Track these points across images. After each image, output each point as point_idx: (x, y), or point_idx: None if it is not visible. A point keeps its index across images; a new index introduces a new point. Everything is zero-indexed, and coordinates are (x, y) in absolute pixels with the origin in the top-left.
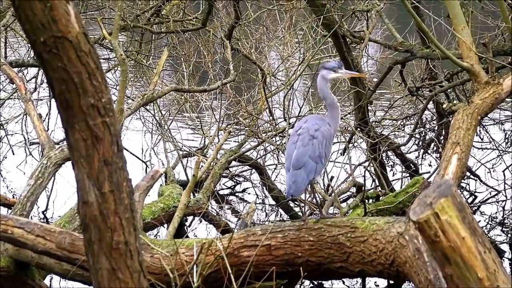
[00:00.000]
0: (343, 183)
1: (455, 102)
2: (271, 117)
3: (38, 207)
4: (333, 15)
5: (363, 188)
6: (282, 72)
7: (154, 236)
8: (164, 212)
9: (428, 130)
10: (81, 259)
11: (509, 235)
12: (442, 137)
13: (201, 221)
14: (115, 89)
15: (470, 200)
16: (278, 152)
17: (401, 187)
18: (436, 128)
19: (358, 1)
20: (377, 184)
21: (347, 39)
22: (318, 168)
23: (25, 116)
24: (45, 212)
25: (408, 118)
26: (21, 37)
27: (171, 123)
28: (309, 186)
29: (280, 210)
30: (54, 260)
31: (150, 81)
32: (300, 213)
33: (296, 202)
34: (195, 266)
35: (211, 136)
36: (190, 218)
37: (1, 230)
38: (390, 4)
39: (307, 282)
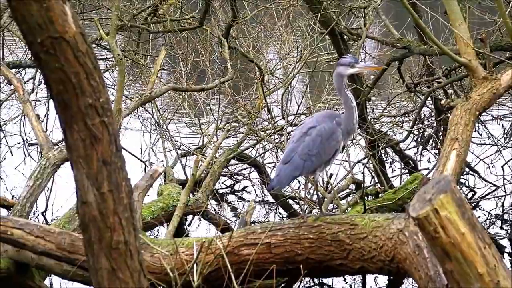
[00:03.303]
0: (342, 180)
1: (453, 98)
2: (269, 115)
3: (38, 208)
4: (330, 12)
5: (362, 185)
6: (280, 70)
7: (154, 235)
8: (164, 211)
9: (426, 126)
10: (81, 260)
11: (509, 230)
12: (440, 133)
13: (200, 220)
14: (113, 89)
15: (469, 195)
16: (277, 150)
17: (400, 184)
18: (434, 124)
19: None
20: (376, 181)
21: (345, 36)
22: (306, 166)
23: (23, 117)
24: (44, 213)
25: (406, 114)
26: (18, 38)
27: (169, 123)
28: (310, 183)
29: (280, 208)
30: (54, 260)
31: (148, 81)
32: (299, 211)
33: (296, 200)
34: (195, 265)
35: (209, 135)
36: (189, 217)
37: (0, 231)
38: (387, 0)
39: (307, 280)
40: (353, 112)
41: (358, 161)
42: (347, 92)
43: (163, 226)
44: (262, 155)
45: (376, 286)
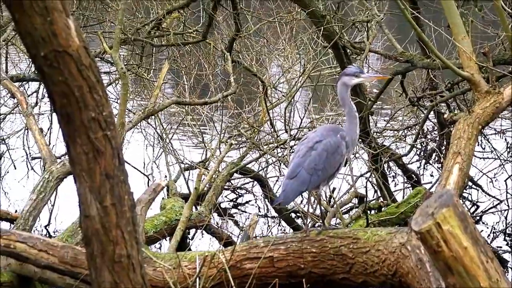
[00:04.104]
0: (345, 194)
1: (456, 112)
2: (272, 129)
3: (41, 221)
4: (333, 26)
5: (365, 199)
6: (283, 84)
7: (157, 249)
8: (167, 225)
9: (429, 140)
10: (83, 273)
11: None
12: (443, 147)
13: (203, 234)
14: (116, 102)
15: (472, 210)
16: (280, 164)
17: (403, 198)
18: (437, 138)
19: (358, 12)
20: (379, 195)
21: (348, 50)
22: (313, 180)
23: (26, 131)
24: (47, 227)
25: (409, 128)
26: (22, 52)
27: (172, 136)
28: (314, 197)
29: (283, 222)
30: (57, 274)
31: (151, 94)
32: (302, 225)
33: (299, 214)
34: (197, 279)
35: (212, 148)
36: (192, 231)
37: (3, 245)
38: (390, 14)
39: None
40: (356, 123)
41: (361, 175)
42: (351, 102)
43: (166, 240)
44: (265, 169)
45: None
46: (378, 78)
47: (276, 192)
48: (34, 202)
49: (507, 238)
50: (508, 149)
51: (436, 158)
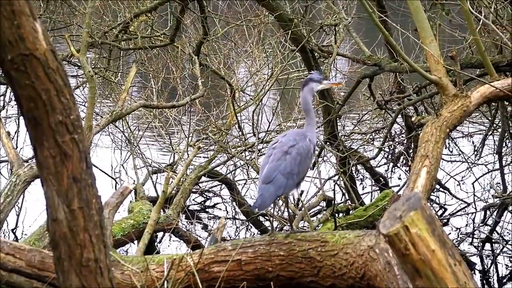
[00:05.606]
0: (313, 197)
1: (423, 115)
2: (240, 132)
3: (8, 225)
4: (301, 29)
5: (333, 202)
6: (251, 87)
7: (125, 252)
8: (134, 228)
9: (397, 143)
10: (51, 277)
11: (479, 247)
12: (411, 150)
13: (171, 237)
14: (84, 106)
15: (440, 212)
16: (248, 167)
17: (371, 201)
18: (405, 142)
19: (326, 16)
20: (347, 198)
21: (315, 53)
22: (289, 184)
23: None
24: (14, 230)
25: (377, 131)
26: None
27: (140, 140)
28: (282, 200)
29: (251, 225)
30: (24, 278)
31: (119, 98)
32: (270, 228)
33: (267, 217)
34: (165, 282)
35: (180, 152)
36: (160, 234)
37: None
38: (358, 18)
39: None
40: (315, 129)
41: (329, 178)
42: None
43: (134, 243)
44: (233, 172)
45: None
46: (333, 85)
47: (244, 195)
48: (1, 205)
49: (475, 241)
50: (475, 152)
51: (404, 161)
